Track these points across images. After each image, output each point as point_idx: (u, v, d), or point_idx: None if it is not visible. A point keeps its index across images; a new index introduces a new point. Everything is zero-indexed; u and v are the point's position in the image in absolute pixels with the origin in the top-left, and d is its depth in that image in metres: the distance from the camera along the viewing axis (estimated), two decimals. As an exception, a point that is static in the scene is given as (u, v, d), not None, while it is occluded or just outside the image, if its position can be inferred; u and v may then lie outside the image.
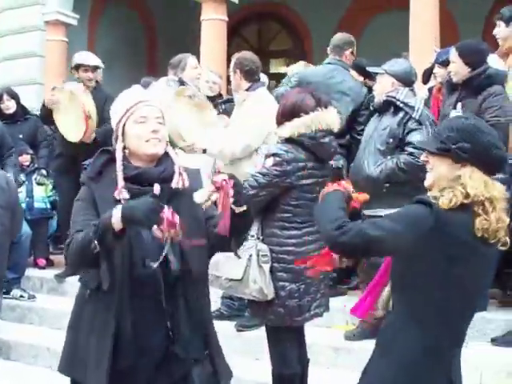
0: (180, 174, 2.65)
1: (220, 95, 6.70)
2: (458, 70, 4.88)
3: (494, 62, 5.24)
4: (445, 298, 2.30)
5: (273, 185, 3.64)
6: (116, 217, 2.37)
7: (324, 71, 5.71)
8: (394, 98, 4.57)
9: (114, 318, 2.52)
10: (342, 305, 5.25)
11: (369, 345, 4.71)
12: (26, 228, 6.26)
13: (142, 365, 2.55)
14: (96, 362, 2.52)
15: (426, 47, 7.11)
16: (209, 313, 2.85)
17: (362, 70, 5.90)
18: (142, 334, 2.53)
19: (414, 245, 2.23)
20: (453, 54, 4.93)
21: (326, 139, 3.71)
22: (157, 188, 2.48)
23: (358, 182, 4.66)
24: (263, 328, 3.95)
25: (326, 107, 3.72)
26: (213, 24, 9.06)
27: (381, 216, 4.40)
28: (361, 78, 6.01)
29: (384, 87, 4.70)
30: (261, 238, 3.68)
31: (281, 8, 12.75)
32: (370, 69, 5.09)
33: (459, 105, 4.84)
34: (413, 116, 4.46)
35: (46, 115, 6.50)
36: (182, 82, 5.75)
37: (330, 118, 3.73)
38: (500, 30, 5.45)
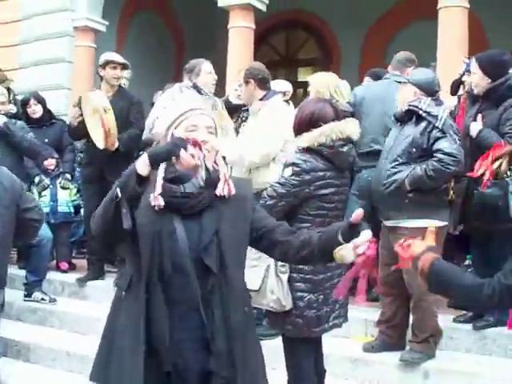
0: (226, 180, 2.55)
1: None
2: (479, 81, 4.86)
3: None
4: None
5: (291, 195, 3.62)
6: (141, 159, 2.30)
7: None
8: (417, 107, 4.52)
9: (143, 322, 2.40)
10: (362, 316, 5.22)
11: (387, 357, 4.70)
12: (47, 232, 6.29)
13: (177, 373, 2.44)
14: (130, 368, 2.41)
15: (454, 57, 7.05)
16: (251, 330, 2.64)
17: (378, 79, 5.87)
18: (179, 340, 2.42)
19: None
20: (473, 64, 4.90)
21: (345, 148, 3.70)
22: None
23: (379, 193, 4.64)
24: (279, 338, 3.91)
25: (344, 117, 3.71)
26: (240, 32, 9.08)
27: (403, 227, 4.42)
28: None
29: (406, 96, 4.64)
30: None
31: (309, 16, 12.74)
32: (394, 78, 5.04)
33: (479, 116, 4.79)
34: (436, 125, 4.39)
35: (73, 133, 6.57)
36: (196, 87, 5.78)
37: (350, 128, 3.72)
38: None
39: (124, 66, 6.49)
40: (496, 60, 4.82)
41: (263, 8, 9.39)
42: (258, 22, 9.41)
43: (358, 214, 2.32)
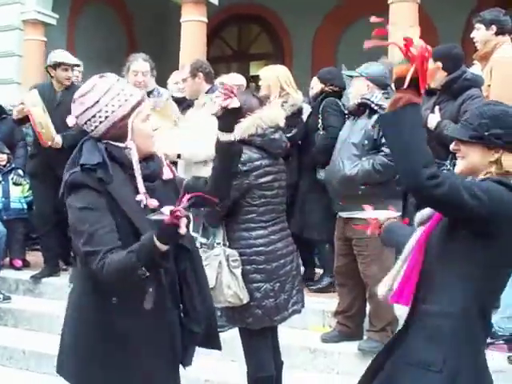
0: (168, 165, 2.69)
1: None
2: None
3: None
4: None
5: (232, 189, 3.63)
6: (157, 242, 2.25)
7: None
8: (369, 99, 4.60)
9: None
10: (319, 306, 5.28)
11: (346, 347, 4.77)
12: (0, 228, 6.19)
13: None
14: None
15: (405, 51, 7.14)
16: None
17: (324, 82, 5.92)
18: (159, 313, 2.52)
19: (493, 220, 2.20)
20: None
21: (276, 135, 3.73)
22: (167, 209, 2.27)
23: (333, 184, 4.71)
24: (233, 329, 3.93)
25: (266, 104, 3.76)
26: (193, 25, 9.06)
27: (358, 218, 4.50)
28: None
29: (359, 90, 4.72)
30: (227, 243, 3.67)
31: (261, 10, 12.76)
32: (345, 72, 5.11)
33: (437, 108, 4.88)
34: None
35: (18, 121, 6.43)
36: None
37: (276, 114, 3.76)
38: (479, 33, 5.51)
39: (76, 65, 6.44)
40: (449, 54, 4.94)
41: (215, 2, 9.39)
42: (210, 16, 9.40)
43: None
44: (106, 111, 2.49)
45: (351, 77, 5.03)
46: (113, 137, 2.51)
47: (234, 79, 6.54)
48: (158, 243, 2.22)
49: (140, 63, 5.76)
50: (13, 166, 7.03)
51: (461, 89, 4.86)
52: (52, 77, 6.33)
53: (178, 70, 8.12)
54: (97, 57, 10.85)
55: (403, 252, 2.47)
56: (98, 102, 2.49)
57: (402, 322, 4.73)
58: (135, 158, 2.49)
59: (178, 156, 5.16)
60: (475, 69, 5.77)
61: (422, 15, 8.00)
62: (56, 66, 6.25)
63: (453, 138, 2.47)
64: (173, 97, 6.27)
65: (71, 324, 2.60)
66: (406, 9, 7.69)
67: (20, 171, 7.04)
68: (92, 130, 2.53)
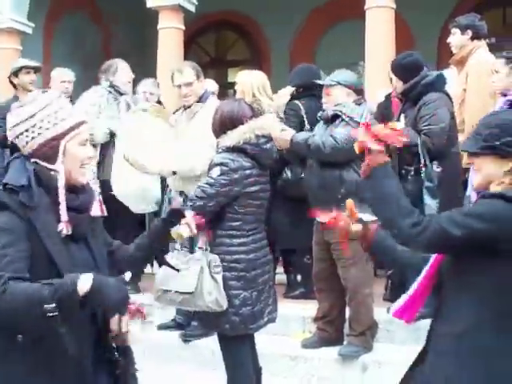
0: (100, 202, 2.55)
1: (159, 102, 6.67)
2: (396, 84, 5.14)
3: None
4: None
5: (221, 194, 3.63)
6: (84, 287, 2.04)
7: None
8: (341, 111, 4.63)
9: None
10: (299, 313, 5.27)
11: (326, 352, 4.75)
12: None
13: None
14: None
15: (381, 56, 7.18)
16: None
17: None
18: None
19: (496, 239, 2.17)
20: (390, 71, 5.23)
21: (268, 145, 3.75)
22: (128, 275, 2.19)
23: (312, 189, 4.72)
24: (211, 338, 3.92)
25: (259, 114, 3.81)
26: (170, 32, 9.03)
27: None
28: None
29: (338, 98, 4.72)
30: (208, 248, 3.65)
31: (238, 17, 12.75)
32: (318, 81, 5.12)
33: (402, 116, 4.97)
34: None
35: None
36: (113, 87, 5.75)
37: (269, 124, 3.79)
38: (455, 38, 5.58)
39: (37, 69, 6.42)
40: (401, 64, 5.06)
41: (192, 9, 9.37)
42: (187, 23, 9.38)
43: (176, 201, 2.51)
44: (40, 127, 2.31)
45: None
46: (43, 156, 2.32)
47: (211, 85, 6.55)
48: (81, 289, 2.03)
49: (124, 62, 5.93)
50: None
51: (418, 95, 4.95)
52: (16, 88, 6.31)
53: (155, 76, 8.10)
54: (74, 65, 10.77)
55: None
56: (33, 115, 2.32)
57: (381, 327, 4.79)
58: (61, 183, 2.30)
59: (174, 173, 4.92)
60: (450, 72, 5.82)
61: (399, 21, 8.03)
62: (18, 71, 6.24)
63: (465, 152, 2.46)
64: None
65: None
66: (383, 14, 7.71)
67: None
68: (23, 146, 2.33)
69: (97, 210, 2.49)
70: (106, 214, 2.49)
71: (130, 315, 2.21)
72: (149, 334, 5.26)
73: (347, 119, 4.59)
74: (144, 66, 9.16)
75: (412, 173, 4.83)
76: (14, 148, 2.39)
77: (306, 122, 5.49)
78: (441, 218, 2.23)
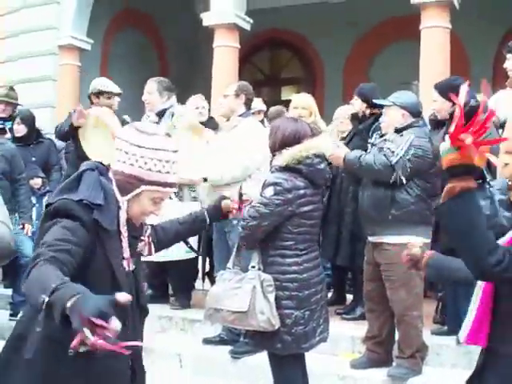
0: (149, 243, 2.58)
1: (211, 118, 6.88)
2: (442, 106, 5.08)
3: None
4: None
5: (275, 214, 3.64)
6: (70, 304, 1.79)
7: None
8: (382, 148, 4.65)
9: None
10: (349, 333, 5.26)
11: (374, 373, 4.74)
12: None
13: None
14: None
15: (436, 76, 7.15)
16: None
17: (366, 100, 5.92)
18: None
19: None
20: (434, 93, 5.17)
21: (322, 165, 3.76)
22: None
23: (364, 208, 4.73)
24: (260, 355, 3.93)
25: (317, 134, 3.83)
26: (225, 51, 9.16)
27: (385, 243, 4.52)
28: (363, 105, 6.00)
29: (393, 119, 4.71)
30: (262, 267, 3.68)
31: (292, 36, 12.85)
32: (376, 101, 5.13)
33: (447, 137, 4.91)
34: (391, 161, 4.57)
35: (71, 132, 6.23)
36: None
37: (325, 144, 3.82)
38: (510, 62, 5.57)
39: (118, 94, 6.50)
40: (454, 84, 5.02)
41: (247, 27, 9.49)
42: (242, 41, 9.50)
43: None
44: (137, 160, 2.28)
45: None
46: (119, 183, 2.33)
47: (259, 104, 6.77)
48: (68, 307, 1.77)
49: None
50: (47, 189, 7.13)
51: (469, 116, 4.88)
52: (92, 103, 6.40)
53: (209, 95, 8.24)
54: (130, 82, 11.02)
55: (475, 292, 2.36)
56: (142, 147, 2.28)
57: (431, 350, 4.76)
58: (123, 219, 2.32)
59: (205, 180, 5.29)
60: (507, 94, 5.79)
61: (454, 41, 8.00)
62: (99, 93, 6.32)
63: None
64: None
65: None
66: (438, 34, 7.70)
67: (54, 194, 7.14)
68: (117, 160, 2.34)
69: (145, 249, 2.54)
70: (153, 254, 2.54)
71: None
72: (195, 347, 5.32)
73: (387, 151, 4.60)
74: (198, 85, 9.30)
75: None
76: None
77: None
78: None
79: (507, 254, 2.06)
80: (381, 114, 5.41)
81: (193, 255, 5.58)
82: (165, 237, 2.82)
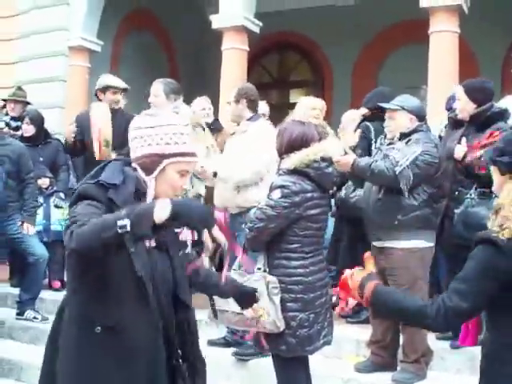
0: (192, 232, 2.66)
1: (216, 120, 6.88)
2: (465, 106, 5.01)
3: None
4: None
5: (282, 216, 3.65)
6: (162, 209, 2.10)
7: None
8: (388, 156, 4.62)
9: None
10: (353, 337, 5.26)
11: (379, 377, 4.73)
12: (43, 251, 6.32)
13: None
14: None
15: (444, 81, 7.16)
16: None
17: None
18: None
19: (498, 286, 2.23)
20: (459, 91, 5.07)
21: (330, 169, 3.78)
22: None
23: (368, 214, 4.72)
24: (264, 358, 3.94)
25: (324, 137, 3.84)
26: (234, 53, 9.17)
27: (390, 247, 4.51)
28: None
29: (401, 123, 4.69)
30: (267, 269, 3.69)
31: (301, 39, 12.86)
32: (382, 105, 5.11)
33: (463, 139, 4.91)
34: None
35: (71, 149, 6.51)
36: None
37: (333, 148, 3.84)
38: None
39: (124, 89, 6.52)
40: (481, 87, 5.03)
41: (256, 30, 9.49)
42: (250, 44, 9.51)
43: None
44: (153, 139, 2.41)
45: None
46: (142, 165, 2.42)
47: (262, 107, 6.76)
48: (159, 211, 2.09)
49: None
50: (55, 189, 7.17)
51: (489, 121, 4.90)
52: (100, 100, 6.43)
53: (218, 97, 8.25)
54: (139, 83, 11.04)
55: None
56: (153, 127, 2.42)
57: (436, 355, 4.75)
58: (150, 194, 2.40)
59: (214, 175, 5.27)
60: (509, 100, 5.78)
61: (463, 45, 8.00)
62: (105, 89, 6.35)
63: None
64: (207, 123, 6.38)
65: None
66: (447, 39, 7.69)
67: (61, 194, 7.18)
68: (134, 150, 2.47)
69: (188, 234, 2.55)
70: (196, 238, 2.55)
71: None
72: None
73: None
74: (207, 87, 9.32)
75: (472, 196, 4.82)
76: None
77: (374, 146, 5.52)
78: (449, 296, 2.26)
79: (439, 308, 2.23)
80: (376, 113, 5.44)
81: None
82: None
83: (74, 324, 2.34)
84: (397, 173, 4.43)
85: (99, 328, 2.29)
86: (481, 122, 4.93)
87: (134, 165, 2.45)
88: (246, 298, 3.10)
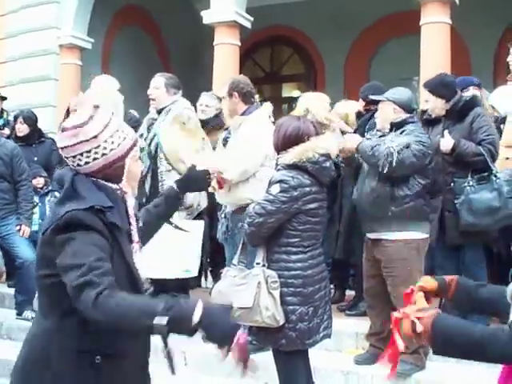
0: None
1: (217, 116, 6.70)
2: (435, 105, 5.16)
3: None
4: None
5: (281, 211, 3.67)
6: (197, 316, 2.00)
7: None
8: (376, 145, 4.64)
9: None
10: (353, 329, 5.27)
11: (379, 369, 4.74)
12: (30, 254, 6.17)
13: None
14: None
15: (436, 72, 7.14)
16: None
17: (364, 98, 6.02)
18: None
19: None
20: (424, 92, 5.30)
21: (327, 163, 3.79)
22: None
23: (362, 205, 4.74)
24: (264, 353, 3.95)
25: (321, 132, 3.87)
26: (226, 48, 9.17)
27: (385, 239, 4.53)
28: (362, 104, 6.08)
29: (387, 114, 4.75)
30: (266, 264, 3.70)
31: (293, 32, 12.84)
32: (372, 97, 5.16)
33: (446, 132, 4.99)
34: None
35: None
36: None
37: (330, 143, 3.85)
38: None
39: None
40: (442, 82, 5.12)
41: (248, 25, 9.49)
42: (242, 39, 9.50)
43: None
44: (105, 148, 2.24)
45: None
46: (104, 177, 2.28)
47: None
48: (195, 317, 1.99)
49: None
50: (49, 188, 7.15)
51: (465, 110, 5.05)
52: None
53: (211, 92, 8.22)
54: (131, 80, 11.02)
55: None
56: (96, 136, 2.23)
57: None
58: (131, 203, 2.36)
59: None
60: (508, 89, 5.83)
61: (454, 36, 8.01)
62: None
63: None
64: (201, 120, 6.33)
65: None
66: (438, 30, 7.70)
67: (57, 193, 7.16)
68: (79, 165, 2.26)
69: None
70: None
71: (237, 350, 2.05)
72: (200, 345, 5.32)
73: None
74: (200, 82, 9.31)
75: (471, 183, 4.87)
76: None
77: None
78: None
79: (506, 329, 1.94)
80: (375, 110, 5.45)
81: (190, 275, 5.59)
82: (150, 218, 2.72)
83: (69, 354, 2.20)
84: (394, 154, 4.44)
85: (99, 358, 2.19)
86: (457, 113, 5.08)
87: (93, 179, 2.28)
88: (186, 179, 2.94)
